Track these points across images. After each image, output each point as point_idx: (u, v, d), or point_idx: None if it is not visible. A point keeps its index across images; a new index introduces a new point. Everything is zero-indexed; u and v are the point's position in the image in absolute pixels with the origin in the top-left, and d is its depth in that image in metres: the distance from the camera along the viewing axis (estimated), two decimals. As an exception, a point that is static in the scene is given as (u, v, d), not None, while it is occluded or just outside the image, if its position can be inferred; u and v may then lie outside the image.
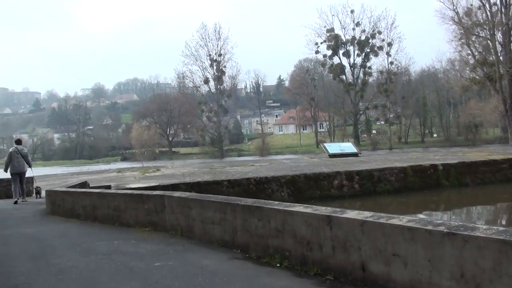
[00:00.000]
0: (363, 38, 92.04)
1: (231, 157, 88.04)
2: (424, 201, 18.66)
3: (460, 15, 41.11)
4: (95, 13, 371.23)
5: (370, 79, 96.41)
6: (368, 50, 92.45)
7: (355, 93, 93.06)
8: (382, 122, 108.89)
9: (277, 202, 6.42)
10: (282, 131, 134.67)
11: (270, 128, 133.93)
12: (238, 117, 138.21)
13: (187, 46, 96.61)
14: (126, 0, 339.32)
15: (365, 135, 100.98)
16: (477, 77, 40.61)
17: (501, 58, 38.96)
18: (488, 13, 39.25)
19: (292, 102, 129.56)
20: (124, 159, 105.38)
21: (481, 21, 40.21)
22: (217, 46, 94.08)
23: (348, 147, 27.07)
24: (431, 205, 18.46)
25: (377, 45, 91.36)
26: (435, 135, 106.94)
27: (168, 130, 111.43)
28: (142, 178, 18.60)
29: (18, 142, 17.54)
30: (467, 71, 45.24)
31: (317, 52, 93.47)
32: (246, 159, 64.94)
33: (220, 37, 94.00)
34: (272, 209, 5.94)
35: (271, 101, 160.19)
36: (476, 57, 40.80)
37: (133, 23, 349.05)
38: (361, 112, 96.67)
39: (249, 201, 6.69)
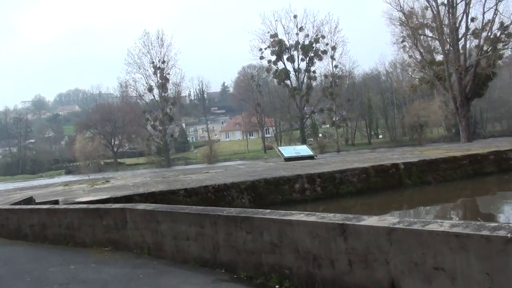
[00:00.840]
0: (306, 42, 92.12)
1: (178, 165, 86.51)
2: (388, 201, 18.16)
3: (407, 16, 41.19)
4: (35, 23, 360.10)
5: (315, 83, 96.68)
6: (312, 55, 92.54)
7: (300, 98, 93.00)
8: (328, 126, 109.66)
9: (269, 211, 5.42)
10: (228, 137, 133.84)
11: (216, 135, 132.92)
12: (183, 125, 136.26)
13: (130, 54, 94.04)
14: (67, 10, 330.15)
15: (312, 139, 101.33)
16: (425, 76, 40.78)
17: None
18: (435, 13, 39.44)
19: (238, 108, 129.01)
20: (69, 172, 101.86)
21: (428, 21, 40.39)
22: (160, 53, 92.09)
23: (303, 149, 26.38)
24: (395, 204, 17.98)
25: (321, 49, 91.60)
26: (380, 136, 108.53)
27: (112, 140, 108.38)
28: (91, 191, 17.27)
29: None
30: (415, 71, 45.56)
31: (261, 57, 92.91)
32: (195, 167, 63.71)
33: (163, 44, 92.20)
34: (264, 219, 4.98)
35: (216, 108, 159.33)
36: (424, 56, 40.96)
37: (73, 33, 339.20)
38: (307, 116, 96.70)
39: (233, 211, 5.70)
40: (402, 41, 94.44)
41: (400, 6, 40.83)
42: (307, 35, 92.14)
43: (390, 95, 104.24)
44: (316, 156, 26.30)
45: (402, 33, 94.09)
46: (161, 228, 6.65)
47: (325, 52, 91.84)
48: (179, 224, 6.24)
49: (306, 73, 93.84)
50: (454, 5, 38.40)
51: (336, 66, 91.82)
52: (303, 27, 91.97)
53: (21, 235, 10.23)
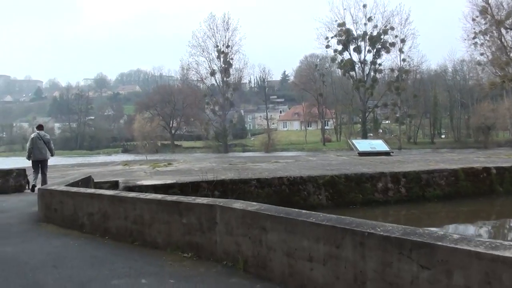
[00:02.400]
0: (375, 33, 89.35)
1: (235, 152, 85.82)
2: (476, 210, 16.31)
3: (492, 8, 38.40)
4: (99, 4, 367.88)
5: (380, 76, 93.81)
6: (380, 46, 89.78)
7: (365, 90, 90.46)
8: (388, 122, 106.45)
9: (459, 237, 3.56)
10: (286, 127, 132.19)
11: (274, 124, 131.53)
12: (242, 111, 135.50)
13: (194, 37, 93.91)
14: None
15: (372, 134, 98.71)
16: (507, 74, 38.01)
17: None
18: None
19: (297, 98, 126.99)
20: (125, 150, 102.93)
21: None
22: (225, 37, 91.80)
23: (379, 144, 24.65)
24: (483, 214, 16.15)
25: (390, 41, 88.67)
26: (443, 136, 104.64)
27: (171, 122, 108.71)
28: (154, 173, 16.16)
29: (40, 127, 15.80)
30: (495, 69, 42.85)
31: (327, 46, 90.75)
32: (252, 155, 62.61)
33: (228, 28, 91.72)
34: (457, 250, 3.32)
35: (275, 97, 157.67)
36: (510, 53, 38.16)
37: (137, 14, 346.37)
38: (370, 109, 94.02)
39: (393, 229, 3.96)
40: (474, 38, 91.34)
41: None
42: (375, 26, 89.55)
43: (457, 93, 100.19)
44: (392, 152, 24.55)
45: (474, 29, 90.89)
46: (268, 238, 5.02)
47: (393, 44, 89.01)
48: (298, 237, 4.59)
49: (372, 65, 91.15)
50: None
51: (404, 60, 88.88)
52: (372, 17, 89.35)
53: (77, 224, 8.71)
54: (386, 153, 23.53)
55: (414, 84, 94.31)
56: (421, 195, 16.23)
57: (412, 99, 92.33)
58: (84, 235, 8.17)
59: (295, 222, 4.71)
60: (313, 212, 4.87)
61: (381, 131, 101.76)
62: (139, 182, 13.21)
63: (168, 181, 13.42)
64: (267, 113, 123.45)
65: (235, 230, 5.58)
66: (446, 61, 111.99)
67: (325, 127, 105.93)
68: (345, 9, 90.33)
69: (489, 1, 38.13)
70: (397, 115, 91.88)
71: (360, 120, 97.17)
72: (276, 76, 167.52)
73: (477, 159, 21.24)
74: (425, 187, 16.40)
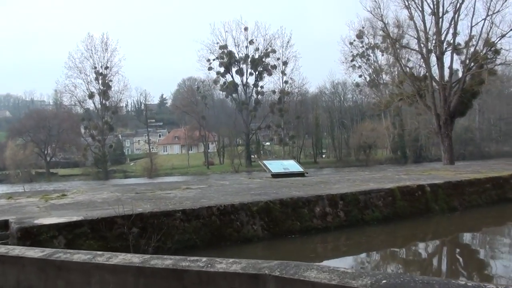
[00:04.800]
0: (256, 56, 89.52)
1: (116, 178, 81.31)
2: (414, 231, 15.04)
3: (389, 27, 38.63)
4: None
5: (263, 98, 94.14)
6: (262, 69, 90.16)
7: (247, 113, 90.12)
8: (268, 143, 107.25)
9: None
10: (166, 151, 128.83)
11: (153, 148, 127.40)
12: (120, 136, 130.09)
13: (71, 57, 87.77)
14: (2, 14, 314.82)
15: (255, 156, 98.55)
16: (403, 92, 38.31)
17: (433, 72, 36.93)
18: (421, 24, 37.07)
19: (177, 121, 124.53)
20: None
21: (409, 33, 38.04)
22: (104, 58, 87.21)
23: (291, 165, 22.89)
24: (421, 235, 14.89)
25: (271, 63, 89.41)
26: (323, 155, 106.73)
27: (46, 149, 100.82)
28: (50, 208, 13.04)
29: None
30: (391, 86, 43.39)
31: (210, 68, 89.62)
32: (134, 181, 58.99)
33: (107, 49, 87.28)
34: None
35: (154, 120, 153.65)
36: (404, 70, 38.48)
37: (6, 38, 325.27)
38: (253, 131, 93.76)
39: None
40: (352, 60, 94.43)
41: (381, 15, 38.15)
42: (257, 49, 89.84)
43: (337, 113, 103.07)
44: (307, 173, 22.90)
45: (352, 52, 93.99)
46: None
47: (275, 67, 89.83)
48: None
49: (255, 88, 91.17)
50: (441, 15, 36.18)
51: (286, 82, 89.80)
52: (254, 40, 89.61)
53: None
54: (301, 174, 21.86)
55: (296, 105, 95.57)
56: (360, 219, 14.58)
57: (295, 120, 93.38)
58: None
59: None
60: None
61: (262, 152, 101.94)
62: (37, 221, 10.17)
63: (74, 218, 10.53)
64: (148, 137, 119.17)
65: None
66: (326, 82, 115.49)
67: (208, 150, 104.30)
68: (226, 31, 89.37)
69: (385, 20, 38.22)
70: (281, 136, 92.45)
71: (242, 142, 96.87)
72: (154, 100, 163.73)
73: (399, 177, 20.15)
74: (363, 209, 14.78)
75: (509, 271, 10.23)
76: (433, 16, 36.18)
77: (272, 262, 3.62)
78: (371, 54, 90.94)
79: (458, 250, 13.04)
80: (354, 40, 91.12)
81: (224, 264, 3.73)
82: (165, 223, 11.57)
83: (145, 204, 13.25)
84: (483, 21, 36.06)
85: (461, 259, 11.95)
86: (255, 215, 12.91)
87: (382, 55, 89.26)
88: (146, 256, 4.33)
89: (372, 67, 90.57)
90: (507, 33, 35.52)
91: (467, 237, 14.93)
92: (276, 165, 22.46)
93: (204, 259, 4.02)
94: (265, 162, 22.90)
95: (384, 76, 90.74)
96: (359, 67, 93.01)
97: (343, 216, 14.28)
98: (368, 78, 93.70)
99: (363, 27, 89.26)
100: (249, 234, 12.50)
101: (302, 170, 22.59)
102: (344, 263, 11.05)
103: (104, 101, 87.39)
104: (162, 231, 11.18)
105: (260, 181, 19.92)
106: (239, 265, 3.67)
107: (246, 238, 12.27)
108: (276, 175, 21.19)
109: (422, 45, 36.65)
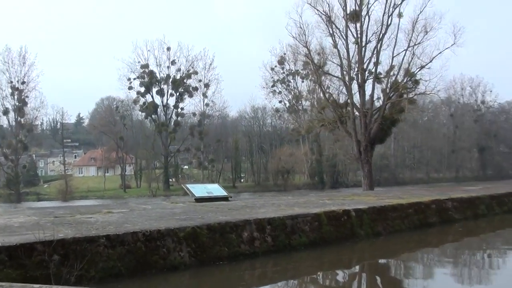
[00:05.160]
0: (178, 77, 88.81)
1: (29, 201, 77.40)
2: (340, 257, 14.99)
3: (313, 53, 39.25)
4: None
5: (183, 120, 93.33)
6: (183, 90, 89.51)
7: (167, 134, 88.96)
8: (186, 167, 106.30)
9: None
10: (82, 173, 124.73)
11: (68, 169, 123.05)
12: (34, 156, 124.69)
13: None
14: None
15: (173, 179, 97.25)
16: (324, 118, 38.94)
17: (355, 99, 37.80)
18: (345, 52, 37.97)
19: (94, 142, 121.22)
20: None
21: (333, 60, 38.78)
22: (21, 73, 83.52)
23: (215, 189, 22.38)
24: (345, 260, 14.85)
25: (193, 85, 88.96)
26: (242, 180, 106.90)
27: None
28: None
29: None
30: (310, 112, 44.06)
31: (130, 88, 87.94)
32: (47, 205, 56.49)
33: (25, 63, 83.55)
34: None
35: (69, 140, 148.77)
36: (327, 97, 39.14)
37: None
38: (172, 154, 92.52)
39: None
40: (272, 86, 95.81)
41: (305, 42, 38.71)
42: (179, 69, 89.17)
43: (257, 138, 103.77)
44: (231, 197, 22.48)
45: (272, 77, 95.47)
46: None
47: (196, 88, 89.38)
48: None
49: (175, 109, 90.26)
50: (364, 44, 37.22)
51: (207, 104, 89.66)
52: (176, 61, 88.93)
53: None
54: (225, 198, 21.40)
55: (216, 128, 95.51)
56: (287, 244, 14.28)
57: (215, 143, 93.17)
58: None
59: None
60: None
61: (180, 176, 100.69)
62: None
63: (-14, 244, 9.64)
64: (64, 158, 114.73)
65: None
66: (246, 107, 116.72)
67: (125, 173, 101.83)
68: (148, 50, 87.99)
69: (309, 47, 38.88)
70: (201, 159, 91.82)
71: (161, 165, 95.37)
72: (71, 119, 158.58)
73: (323, 202, 20.14)
74: (290, 234, 14.50)
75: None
76: (356, 45, 37.25)
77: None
78: (292, 80, 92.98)
79: (379, 275, 13.07)
80: (276, 66, 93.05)
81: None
82: (88, 249, 10.76)
83: (66, 229, 12.34)
84: (404, 51, 37.56)
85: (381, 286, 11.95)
86: (182, 241, 12.31)
87: (302, 81, 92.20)
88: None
89: (292, 93, 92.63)
90: (426, 64, 37.09)
91: (390, 262, 15.04)
92: (199, 189, 21.89)
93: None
94: (188, 185, 22.28)
95: (303, 102, 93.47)
96: (279, 92, 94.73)
97: (270, 241, 13.93)
98: (288, 104, 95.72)
99: (284, 54, 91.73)
100: (175, 261, 11.86)
101: (226, 194, 22.16)
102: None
103: (19, 118, 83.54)
104: (85, 258, 10.41)
105: (184, 206, 19.31)
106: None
107: (172, 265, 11.64)
108: (199, 199, 20.63)
109: (344, 72, 37.53)
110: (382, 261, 14.98)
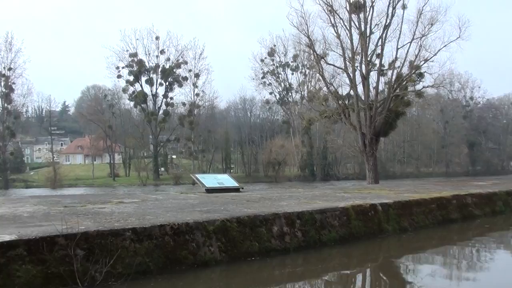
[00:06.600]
0: (167, 66, 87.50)
1: (17, 188, 76.11)
2: (367, 253, 14.21)
3: (314, 42, 38.17)
4: None
5: (173, 110, 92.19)
6: (172, 80, 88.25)
7: (156, 124, 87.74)
8: (174, 156, 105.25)
9: None
10: (69, 161, 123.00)
11: (55, 157, 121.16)
12: (19, 143, 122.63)
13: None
14: None
15: (163, 169, 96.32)
16: (326, 110, 38.11)
17: (359, 91, 36.89)
18: (348, 43, 37.05)
19: (81, 130, 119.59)
20: None
21: (335, 50, 37.76)
22: (7, 59, 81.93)
23: (226, 179, 21.49)
24: (373, 256, 14.11)
25: (183, 75, 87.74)
26: (232, 170, 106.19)
27: None
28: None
29: None
30: (315, 104, 43.13)
31: (119, 76, 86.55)
32: (38, 192, 55.23)
33: (11, 49, 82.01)
34: None
35: (55, 128, 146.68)
36: (330, 88, 38.22)
37: None
38: (162, 144, 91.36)
39: None
40: (262, 77, 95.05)
41: (306, 32, 37.68)
42: (168, 59, 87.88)
43: (247, 129, 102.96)
44: (242, 188, 21.60)
45: (262, 69, 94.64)
46: None
47: (186, 78, 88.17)
48: None
49: (164, 99, 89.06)
50: (368, 35, 36.30)
51: (197, 94, 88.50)
52: (165, 50, 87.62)
53: None
54: (236, 189, 20.53)
55: (206, 119, 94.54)
56: (317, 239, 13.44)
57: (205, 134, 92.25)
58: None
59: None
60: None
61: (170, 165, 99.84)
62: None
63: (6, 238, 8.61)
64: (52, 145, 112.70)
65: None
66: (236, 98, 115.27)
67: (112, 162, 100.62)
68: (137, 39, 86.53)
69: (311, 37, 37.90)
70: (191, 149, 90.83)
71: (150, 154, 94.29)
72: (57, 107, 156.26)
73: (341, 195, 19.33)
74: (320, 229, 13.67)
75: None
76: (361, 36, 36.36)
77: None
78: (282, 73, 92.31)
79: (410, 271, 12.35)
80: (266, 58, 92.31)
81: None
82: (114, 244, 9.83)
83: (83, 220, 11.40)
84: (409, 44, 36.72)
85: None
86: (212, 236, 11.38)
87: (292, 74, 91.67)
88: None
89: (282, 85, 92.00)
90: (431, 57, 36.28)
91: (427, 259, 14.36)
92: (210, 180, 21.01)
93: None
94: (198, 176, 21.34)
95: (294, 94, 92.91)
96: (269, 84, 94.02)
97: (300, 236, 13.06)
98: (278, 96, 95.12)
99: (274, 45, 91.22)
100: (206, 257, 10.95)
101: (238, 185, 21.28)
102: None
103: (6, 105, 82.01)
104: (113, 254, 9.46)
105: (197, 196, 18.39)
106: None
107: (202, 261, 10.73)
108: (210, 190, 19.72)
109: (348, 63, 36.62)
110: (414, 256, 14.31)
